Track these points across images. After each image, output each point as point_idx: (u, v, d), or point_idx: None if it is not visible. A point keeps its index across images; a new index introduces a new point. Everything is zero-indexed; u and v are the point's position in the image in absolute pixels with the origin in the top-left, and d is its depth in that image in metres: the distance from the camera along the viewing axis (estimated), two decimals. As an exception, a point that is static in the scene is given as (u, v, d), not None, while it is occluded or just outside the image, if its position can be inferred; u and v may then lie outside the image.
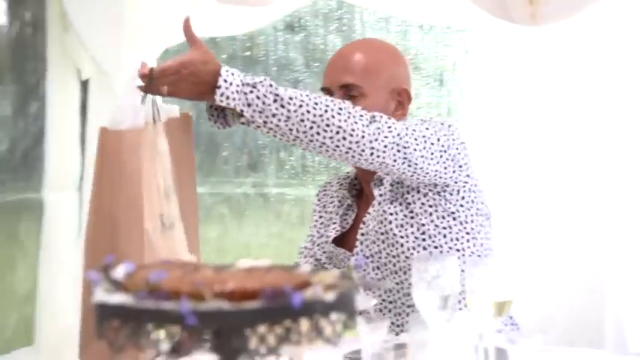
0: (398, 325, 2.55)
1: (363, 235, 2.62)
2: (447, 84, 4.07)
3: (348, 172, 2.81)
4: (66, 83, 3.91)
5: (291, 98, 2.25)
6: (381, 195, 2.56)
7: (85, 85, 3.89)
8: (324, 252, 2.71)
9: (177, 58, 2.26)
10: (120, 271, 1.48)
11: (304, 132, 2.27)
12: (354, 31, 4.09)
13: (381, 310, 2.57)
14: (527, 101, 3.65)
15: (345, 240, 2.70)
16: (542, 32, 3.39)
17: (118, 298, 1.42)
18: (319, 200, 2.84)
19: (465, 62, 3.99)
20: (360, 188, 2.75)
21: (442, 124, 2.53)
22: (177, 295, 1.38)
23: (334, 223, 2.73)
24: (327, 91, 2.63)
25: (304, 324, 1.39)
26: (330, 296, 1.42)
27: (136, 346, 1.39)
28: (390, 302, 2.58)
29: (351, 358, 2.18)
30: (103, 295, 1.44)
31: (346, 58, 2.65)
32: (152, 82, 2.20)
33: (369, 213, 2.62)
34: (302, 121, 2.26)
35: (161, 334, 1.37)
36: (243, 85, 2.23)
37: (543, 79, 3.62)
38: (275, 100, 2.24)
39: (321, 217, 2.80)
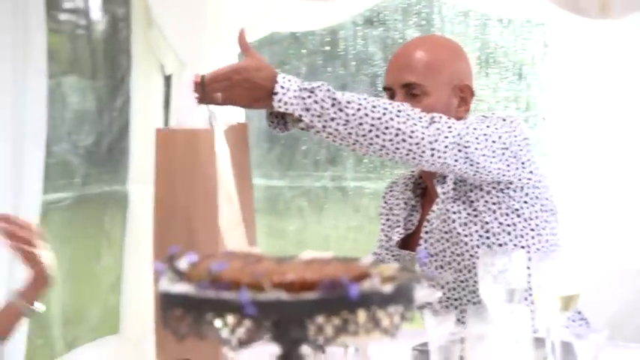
0: (463, 322, 2.54)
1: (427, 233, 2.60)
2: (526, 78, 4.02)
3: (412, 172, 2.78)
4: (150, 79, 3.98)
5: (349, 102, 2.26)
6: (444, 193, 2.54)
7: (168, 80, 3.94)
8: (393, 255, 2.71)
9: (230, 65, 2.30)
10: (184, 262, 1.50)
11: (363, 135, 2.27)
12: (432, 25, 4.06)
13: (446, 307, 2.56)
14: (606, 95, 3.60)
15: (410, 241, 2.69)
16: (622, 25, 3.34)
17: (181, 288, 1.44)
18: (385, 202, 2.82)
19: (545, 56, 3.94)
20: (424, 187, 2.73)
21: (504, 120, 2.49)
22: (238, 286, 1.40)
23: (398, 226, 2.72)
24: (389, 90, 2.62)
25: (361, 315, 1.40)
26: (387, 288, 1.43)
27: (197, 335, 1.41)
28: (455, 299, 2.57)
29: (419, 350, 2.18)
30: (167, 285, 1.47)
31: (407, 57, 2.62)
32: (205, 90, 2.22)
33: (432, 211, 2.59)
34: (360, 124, 2.26)
35: (221, 323, 1.39)
36: (300, 90, 2.25)
37: (623, 73, 3.56)
38: (333, 105, 2.25)
39: (388, 219, 2.79)
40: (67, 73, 4.03)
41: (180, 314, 1.42)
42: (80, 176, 3.84)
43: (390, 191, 2.82)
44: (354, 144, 2.30)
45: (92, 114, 4.03)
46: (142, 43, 3.95)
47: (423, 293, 2.05)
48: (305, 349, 1.48)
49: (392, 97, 2.58)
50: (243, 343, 1.40)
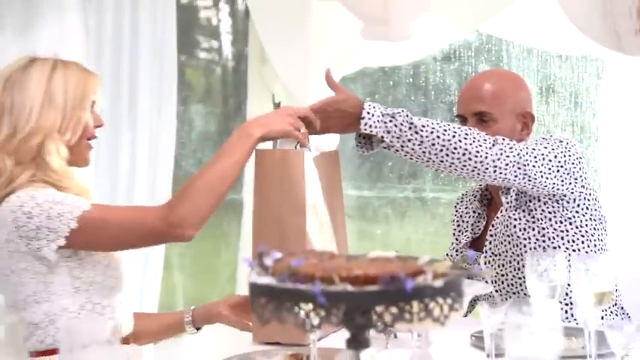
0: None
1: (491, 236, 2.59)
2: (581, 105, 3.97)
3: (480, 185, 2.77)
4: (262, 105, 4.01)
5: (424, 126, 2.26)
6: (507, 202, 2.52)
7: (277, 107, 3.98)
8: (461, 256, 2.69)
9: (322, 100, 2.32)
10: (269, 259, 1.52)
11: (435, 154, 2.27)
12: (500, 61, 4.04)
13: (506, 299, 2.53)
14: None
15: (477, 244, 2.68)
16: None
17: (265, 280, 1.46)
18: (457, 211, 2.82)
19: (597, 87, 3.88)
20: (490, 197, 2.72)
21: (560, 141, 2.47)
22: (312, 279, 1.40)
23: (467, 230, 2.72)
24: (462, 117, 2.61)
25: (415, 305, 1.40)
26: (438, 283, 1.42)
27: (278, 320, 1.42)
28: (514, 293, 2.54)
29: (476, 337, 2.16)
30: (255, 277, 1.48)
31: (477, 88, 2.61)
32: (306, 122, 2.27)
33: (497, 218, 2.59)
34: (433, 145, 2.26)
35: (298, 310, 1.40)
36: (383, 115, 2.26)
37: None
38: (410, 128, 2.25)
39: (458, 225, 2.78)
40: (195, 101, 4.10)
41: (265, 302, 1.44)
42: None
43: (461, 201, 2.82)
44: (427, 161, 2.30)
45: (215, 135, 4.08)
46: (256, 76, 4.00)
47: (476, 287, 2.04)
48: (373, 334, 1.48)
49: (464, 123, 2.58)
50: (316, 327, 1.40)
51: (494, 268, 2.56)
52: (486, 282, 2.50)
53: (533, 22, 3.62)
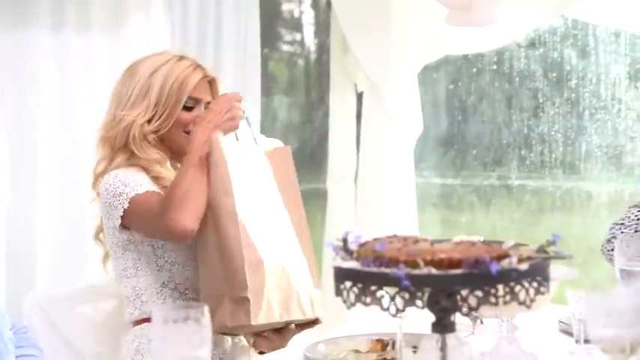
0: None
1: None
2: (671, 89, 3.86)
3: None
4: (345, 95, 4.01)
5: None
6: None
7: (359, 96, 3.98)
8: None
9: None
10: (354, 243, 1.52)
11: None
12: (587, 45, 3.95)
13: None
14: None
15: None
16: None
17: (350, 264, 1.47)
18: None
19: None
20: None
21: None
22: (396, 263, 1.41)
23: None
24: None
25: (500, 289, 1.39)
26: (523, 266, 1.41)
27: (362, 303, 1.43)
28: None
29: (565, 323, 2.14)
30: (339, 262, 1.49)
31: None
32: None
33: None
34: None
35: (382, 293, 1.41)
36: None
37: None
38: None
39: None
40: (278, 92, 4.13)
41: (349, 286, 1.45)
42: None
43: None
44: None
45: (298, 125, 4.11)
46: (339, 67, 3.99)
47: (562, 272, 2.01)
48: (459, 320, 1.48)
49: None
50: (400, 311, 1.41)
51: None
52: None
53: (620, 4, 3.53)
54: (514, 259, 1.42)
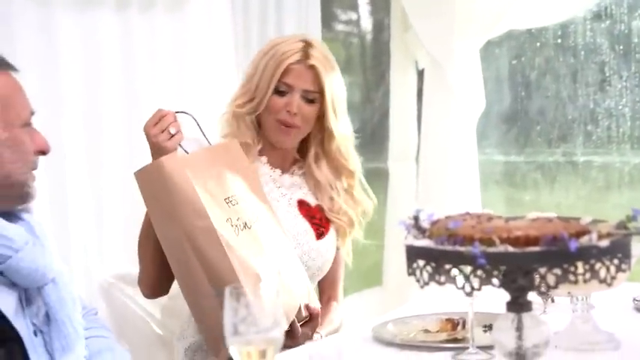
0: None
1: None
2: None
3: None
4: (406, 73, 3.97)
5: None
6: None
7: (420, 74, 3.93)
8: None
9: None
10: (426, 221, 1.49)
11: None
12: (661, 17, 3.85)
13: None
14: None
15: None
16: None
17: (423, 242, 1.44)
18: None
19: None
20: None
21: None
22: (471, 241, 1.37)
23: None
24: None
25: (580, 267, 1.35)
26: (604, 243, 1.37)
27: (436, 282, 1.40)
28: None
29: (638, 301, 2.09)
30: (411, 240, 1.46)
31: None
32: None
33: None
34: None
35: (457, 272, 1.37)
36: None
37: None
38: None
39: None
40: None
41: (423, 265, 1.42)
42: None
43: None
44: None
45: (358, 104, 4.08)
46: (399, 45, 3.95)
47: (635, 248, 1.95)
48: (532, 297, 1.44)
49: None
50: (476, 289, 1.37)
51: None
52: None
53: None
54: (594, 236, 1.38)
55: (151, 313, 2.49)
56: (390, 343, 1.88)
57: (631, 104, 3.95)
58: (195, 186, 2.03)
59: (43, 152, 1.65)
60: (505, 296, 1.43)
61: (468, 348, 1.78)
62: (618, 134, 3.97)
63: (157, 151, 2.09)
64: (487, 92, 3.84)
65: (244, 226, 2.11)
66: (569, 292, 1.83)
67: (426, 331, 1.93)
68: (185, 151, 2.16)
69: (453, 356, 1.78)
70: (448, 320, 1.95)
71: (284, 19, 3.37)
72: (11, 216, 1.58)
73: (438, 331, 1.93)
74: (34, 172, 1.63)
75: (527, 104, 4.16)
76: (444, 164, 3.83)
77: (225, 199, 2.10)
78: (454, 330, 1.91)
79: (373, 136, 3.97)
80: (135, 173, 2.07)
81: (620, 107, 3.97)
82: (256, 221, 2.15)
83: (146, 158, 2.13)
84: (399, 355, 1.83)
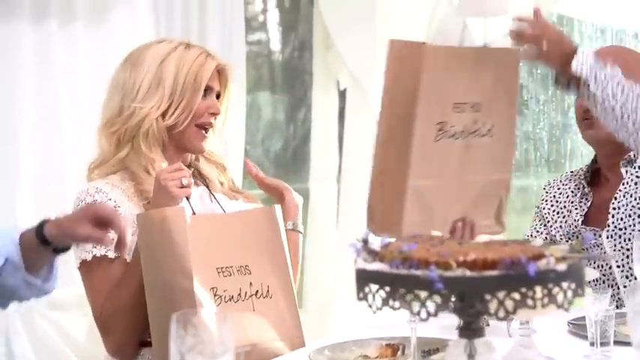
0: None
1: (614, 209, 2.47)
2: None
3: (572, 171, 2.71)
4: (327, 93, 3.95)
5: (631, 87, 2.13)
6: (631, 174, 2.46)
7: (342, 93, 3.91)
8: (567, 235, 2.58)
9: None
10: (376, 244, 1.44)
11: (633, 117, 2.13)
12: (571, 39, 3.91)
13: (624, 287, 2.40)
14: None
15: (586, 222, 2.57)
16: None
17: (375, 266, 1.38)
18: (547, 194, 2.71)
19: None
20: (590, 180, 2.63)
21: None
22: (427, 264, 1.32)
23: (575, 209, 2.59)
24: None
25: (538, 291, 1.31)
26: (561, 267, 1.33)
27: (390, 307, 1.35)
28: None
29: (574, 324, 2.07)
30: (362, 263, 1.41)
31: None
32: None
33: (620, 191, 2.48)
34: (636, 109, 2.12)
35: (412, 297, 1.32)
36: (595, 62, 2.13)
37: None
38: (618, 84, 2.13)
39: (553, 208, 2.67)
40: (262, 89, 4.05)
41: (376, 290, 1.36)
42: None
43: (550, 187, 2.72)
44: (614, 121, 2.15)
45: (280, 124, 4.03)
46: (321, 64, 3.92)
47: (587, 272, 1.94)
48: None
49: None
50: (431, 315, 1.32)
51: (619, 243, 2.44)
52: (606, 265, 2.40)
53: (606, 1, 3.50)
54: (551, 260, 1.34)
55: (75, 338, 2.37)
56: (327, 370, 1.82)
57: (548, 128, 4.01)
58: (191, 247, 1.98)
59: None
60: (440, 321, 1.39)
61: (409, 376, 1.74)
62: (535, 157, 4.02)
63: (162, 195, 2.03)
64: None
65: (229, 299, 2.05)
66: (510, 317, 1.80)
67: (365, 357, 1.88)
68: (191, 207, 2.14)
69: (394, 383, 1.74)
70: (388, 346, 1.90)
71: (207, 34, 3.28)
72: None
73: (377, 357, 1.88)
74: None
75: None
76: (365, 184, 3.80)
77: (217, 269, 2.04)
78: (394, 356, 1.87)
79: (295, 157, 3.92)
80: (137, 216, 2.03)
81: (538, 131, 4.02)
82: (248, 298, 2.09)
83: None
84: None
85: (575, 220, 2.57)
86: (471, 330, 1.40)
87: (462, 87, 2.03)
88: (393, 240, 1.45)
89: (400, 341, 1.87)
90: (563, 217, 2.62)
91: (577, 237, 2.50)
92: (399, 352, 1.86)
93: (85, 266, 2.10)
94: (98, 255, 2.07)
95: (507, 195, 2.18)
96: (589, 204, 2.57)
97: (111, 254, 2.07)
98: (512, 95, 2.14)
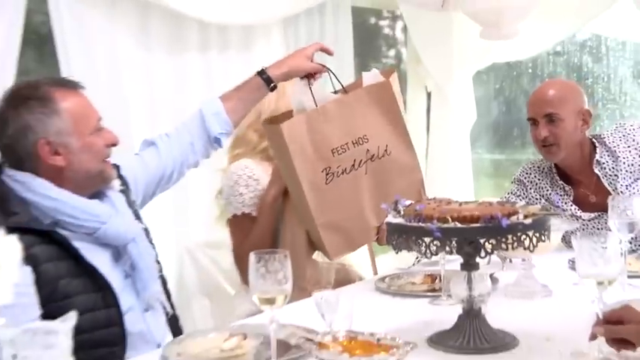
0: None
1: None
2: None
3: (532, 163, 2.38)
4: (418, 95, 3.93)
5: None
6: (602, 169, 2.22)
7: (429, 95, 3.89)
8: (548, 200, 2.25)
9: None
10: (401, 205, 1.48)
11: None
12: (599, 52, 3.76)
13: None
14: None
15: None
16: None
17: (398, 220, 1.43)
18: (528, 177, 2.37)
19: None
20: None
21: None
22: (431, 219, 1.37)
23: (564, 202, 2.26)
24: (532, 120, 2.23)
25: (509, 238, 1.33)
26: (527, 221, 1.35)
27: (407, 248, 1.39)
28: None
29: (572, 262, 2.03)
30: (390, 218, 1.45)
31: (545, 95, 2.22)
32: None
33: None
34: None
35: (420, 241, 1.36)
36: None
37: None
38: None
39: (535, 195, 2.32)
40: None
41: (397, 236, 1.41)
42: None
43: (527, 173, 2.38)
44: None
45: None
46: (413, 74, 3.91)
47: (567, 224, 1.90)
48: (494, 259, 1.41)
49: (535, 124, 2.22)
50: (434, 254, 1.37)
51: None
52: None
53: (626, 20, 3.33)
54: (520, 216, 1.36)
55: (224, 268, 2.43)
56: (385, 292, 1.86)
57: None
58: (308, 147, 1.83)
59: (114, 144, 1.60)
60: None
61: (440, 296, 1.77)
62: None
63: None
64: (478, 108, 3.82)
65: (342, 172, 1.86)
66: (516, 255, 1.80)
67: (413, 283, 1.92)
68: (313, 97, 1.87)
69: (431, 301, 1.77)
70: (429, 275, 1.93)
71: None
72: (100, 194, 1.59)
73: (421, 283, 1.91)
74: (109, 160, 1.59)
75: (507, 117, 4.11)
76: (445, 160, 3.80)
77: (332, 150, 1.86)
78: (433, 282, 1.89)
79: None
80: (264, 125, 1.95)
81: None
82: (362, 165, 1.88)
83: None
84: (392, 301, 1.80)
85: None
86: (469, 265, 1.43)
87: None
88: (412, 202, 1.49)
89: (437, 272, 1.89)
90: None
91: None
92: (437, 280, 1.89)
93: (233, 218, 2.15)
94: (245, 212, 2.10)
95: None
96: (571, 199, 2.24)
97: (254, 213, 2.09)
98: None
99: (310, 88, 1.88)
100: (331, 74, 1.89)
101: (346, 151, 1.87)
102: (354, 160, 1.88)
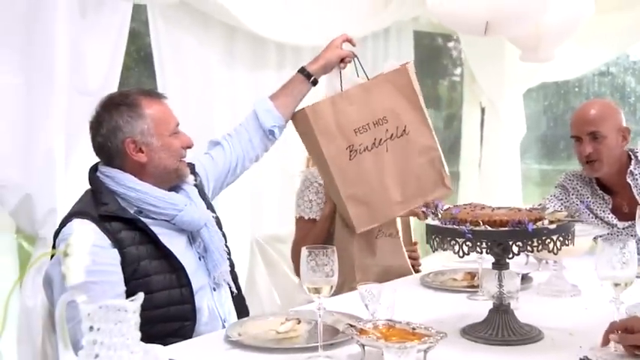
0: None
1: None
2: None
3: (573, 173, 2.24)
4: (473, 110, 3.88)
5: None
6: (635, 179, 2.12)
7: (482, 110, 3.83)
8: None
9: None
10: (439, 209, 1.46)
11: None
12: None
13: None
14: None
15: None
16: None
17: (435, 222, 1.41)
18: (570, 183, 2.23)
19: None
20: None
21: None
22: (464, 222, 1.35)
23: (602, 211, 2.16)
24: (577, 137, 2.13)
25: (535, 241, 1.30)
26: (552, 226, 1.31)
27: (442, 248, 1.37)
28: None
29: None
30: (429, 221, 1.44)
31: (587, 114, 2.12)
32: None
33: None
34: None
35: (454, 242, 1.34)
36: None
37: None
38: None
39: (577, 200, 2.20)
40: (428, 107, 4.03)
41: (434, 236, 1.39)
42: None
43: (570, 180, 2.23)
44: None
45: (440, 130, 4.00)
46: (468, 91, 3.86)
47: (598, 230, 1.83)
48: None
49: (579, 142, 2.11)
50: (466, 254, 1.34)
51: None
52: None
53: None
54: (546, 222, 1.32)
55: (289, 260, 2.31)
56: (428, 286, 1.84)
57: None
58: (333, 126, 1.81)
59: (189, 146, 1.63)
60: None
61: (477, 292, 1.73)
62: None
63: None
64: (528, 122, 3.76)
65: (364, 149, 1.84)
66: (549, 257, 1.75)
67: (454, 279, 1.89)
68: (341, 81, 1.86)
69: (468, 296, 1.73)
70: (468, 273, 1.90)
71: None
72: (177, 188, 1.63)
73: (462, 280, 1.88)
74: (184, 159, 1.61)
75: (555, 131, 3.99)
76: (497, 169, 3.75)
77: (355, 130, 1.83)
78: (473, 279, 1.86)
79: (451, 150, 3.88)
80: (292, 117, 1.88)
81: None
82: (382, 143, 1.85)
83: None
84: (434, 295, 1.78)
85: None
86: (499, 264, 1.40)
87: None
88: (450, 206, 1.47)
89: (476, 271, 1.85)
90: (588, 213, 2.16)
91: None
92: (476, 277, 1.85)
93: (299, 219, 2.13)
94: (310, 217, 2.08)
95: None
96: (610, 207, 2.15)
97: (318, 218, 2.07)
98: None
99: (340, 72, 1.87)
100: (356, 61, 1.88)
101: (367, 130, 1.84)
102: (375, 139, 1.85)
